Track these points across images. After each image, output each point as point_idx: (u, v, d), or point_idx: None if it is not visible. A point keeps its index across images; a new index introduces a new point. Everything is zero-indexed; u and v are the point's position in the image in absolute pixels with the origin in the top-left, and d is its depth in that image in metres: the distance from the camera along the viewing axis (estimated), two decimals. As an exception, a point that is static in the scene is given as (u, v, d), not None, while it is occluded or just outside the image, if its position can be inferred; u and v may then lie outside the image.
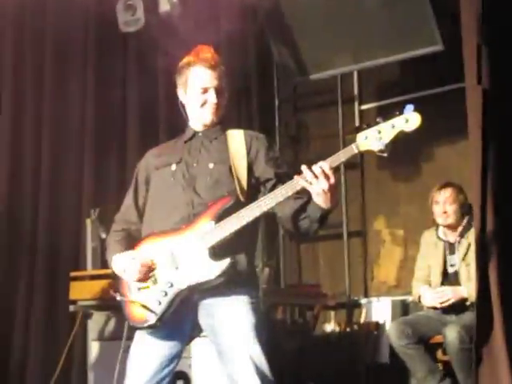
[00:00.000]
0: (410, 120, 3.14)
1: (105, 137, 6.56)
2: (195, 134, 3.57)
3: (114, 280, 3.51)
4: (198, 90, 3.50)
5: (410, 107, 3.15)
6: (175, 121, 3.90)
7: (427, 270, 5.34)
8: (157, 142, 3.80)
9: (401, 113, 3.15)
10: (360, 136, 3.19)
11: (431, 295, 5.17)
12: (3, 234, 5.94)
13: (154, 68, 6.08)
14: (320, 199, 3.22)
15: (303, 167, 3.18)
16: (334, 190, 3.21)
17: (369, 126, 3.18)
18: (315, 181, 3.17)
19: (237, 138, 3.51)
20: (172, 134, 3.82)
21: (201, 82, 3.49)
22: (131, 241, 3.50)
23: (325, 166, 3.17)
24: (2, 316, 5.77)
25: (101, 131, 6.53)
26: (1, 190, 6.09)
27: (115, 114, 6.63)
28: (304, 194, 3.29)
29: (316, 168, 3.17)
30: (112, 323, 5.47)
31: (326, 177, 3.17)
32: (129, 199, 3.64)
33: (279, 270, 6.89)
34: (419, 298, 5.29)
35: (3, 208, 6.02)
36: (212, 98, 3.48)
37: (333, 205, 3.25)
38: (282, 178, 3.38)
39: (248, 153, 3.47)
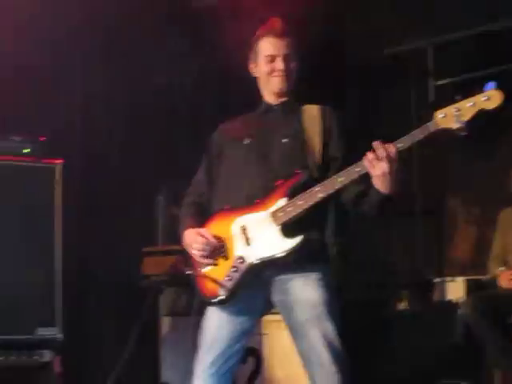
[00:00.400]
0: (491, 98, 3.04)
1: (176, 110, 6.55)
2: (270, 107, 3.54)
3: (186, 255, 3.50)
4: (266, 58, 3.48)
5: (491, 85, 3.05)
6: (248, 94, 3.86)
7: (504, 249, 5.23)
8: (230, 116, 3.76)
9: (481, 90, 3.06)
10: (438, 114, 3.11)
11: (508, 276, 5.06)
12: (74, 212, 5.97)
13: (225, 41, 6.03)
14: (379, 182, 3.16)
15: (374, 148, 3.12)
16: (395, 174, 3.14)
17: (447, 103, 3.11)
18: (377, 162, 3.11)
19: (312, 113, 3.47)
20: (245, 107, 3.77)
21: (268, 50, 3.48)
22: (202, 215, 3.49)
23: (390, 148, 3.11)
24: (75, 288, 5.83)
25: (172, 105, 6.52)
26: (75, 162, 6.12)
27: (187, 86, 6.61)
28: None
29: (380, 150, 3.11)
30: (183, 298, 5.49)
31: (390, 160, 3.10)
32: (201, 173, 3.63)
33: (351, 247, 6.82)
34: (495, 278, 5.19)
35: (78, 181, 6.06)
36: (279, 65, 3.46)
37: (393, 191, 3.17)
38: (351, 157, 3.31)
39: (323, 128, 3.42)
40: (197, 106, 6.68)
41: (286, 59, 3.46)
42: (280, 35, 3.47)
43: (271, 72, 3.48)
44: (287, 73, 3.47)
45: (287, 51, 3.47)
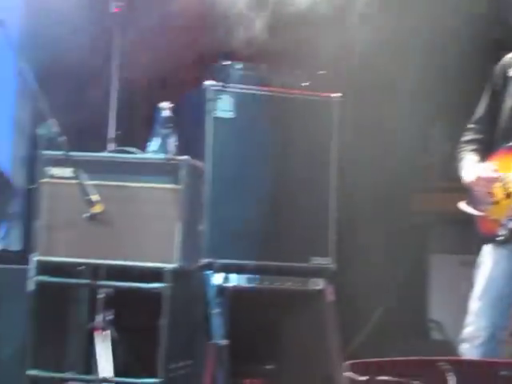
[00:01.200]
0: None
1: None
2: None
3: (464, 192, 3.45)
4: None
5: None
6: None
7: None
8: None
9: None
10: None
11: None
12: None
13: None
14: None
15: None
16: None
17: None
18: None
19: None
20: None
21: None
22: (483, 152, 3.41)
23: None
24: (345, 221, 5.91)
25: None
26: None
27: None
28: None
29: None
30: (456, 236, 5.42)
31: None
32: (482, 107, 3.53)
33: None
34: None
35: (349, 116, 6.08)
36: None
37: None
38: None
39: None
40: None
41: None
42: None
43: None
44: None
45: None
